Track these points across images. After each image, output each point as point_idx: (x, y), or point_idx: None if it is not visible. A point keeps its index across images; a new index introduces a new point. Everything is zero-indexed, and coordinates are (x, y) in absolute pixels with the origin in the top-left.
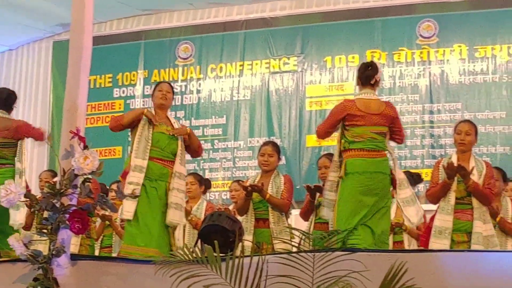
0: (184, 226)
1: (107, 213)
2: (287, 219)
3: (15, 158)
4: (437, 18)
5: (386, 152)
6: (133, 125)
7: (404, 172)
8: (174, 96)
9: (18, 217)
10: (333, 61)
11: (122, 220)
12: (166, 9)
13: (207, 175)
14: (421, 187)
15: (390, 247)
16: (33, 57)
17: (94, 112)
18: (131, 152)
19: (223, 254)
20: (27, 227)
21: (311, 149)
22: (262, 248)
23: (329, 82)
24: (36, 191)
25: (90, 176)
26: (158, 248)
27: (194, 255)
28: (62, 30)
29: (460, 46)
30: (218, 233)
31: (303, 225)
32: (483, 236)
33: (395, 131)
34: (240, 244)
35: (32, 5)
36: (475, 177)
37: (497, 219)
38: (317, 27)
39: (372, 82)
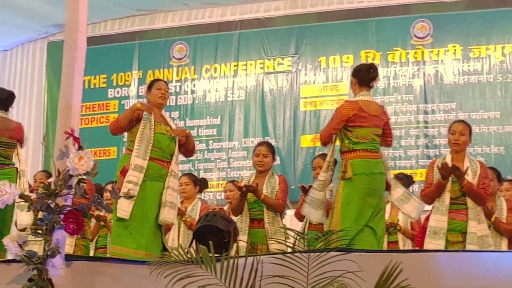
0: (179, 227)
1: (102, 214)
2: (281, 220)
3: (15, 159)
4: (432, 18)
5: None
6: (132, 125)
7: (398, 174)
8: (169, 97)
9: (25, 218)
10: (327, 61)
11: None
12: (161, 9)
13: (202, 175)
14: (415, 187)
15: (385, 247)
16: (28, 58)
17: (88, 113)
18: (127, 149)
19: (218, 255)
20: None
21: (306, 149)
22: (256, 249)
23: (324, 83)
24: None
25: (84, 177)
26: (150, 250)
27: (189, 255)
28: (57, 30)
29: (454, 46)
30: (213, 234)
31: (298, 226)
32: (478, 236)
33: (387, 133)
34: (235, 244)
35: (27, 6)
36: (469, 177)
37: (492, 219)
38: (312, 27)
39: (371, 84)
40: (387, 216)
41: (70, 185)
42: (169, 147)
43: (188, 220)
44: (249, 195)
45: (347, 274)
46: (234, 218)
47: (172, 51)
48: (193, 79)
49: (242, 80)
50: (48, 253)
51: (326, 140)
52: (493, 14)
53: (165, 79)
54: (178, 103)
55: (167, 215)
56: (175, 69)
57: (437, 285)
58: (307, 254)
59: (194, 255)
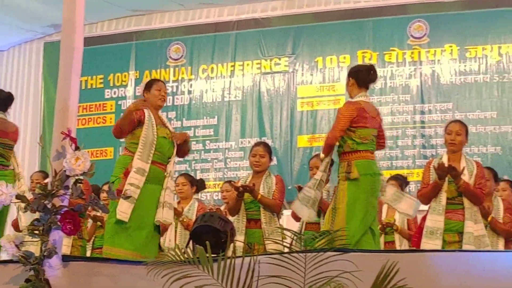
0: (176, 227)
1: (98, 214)
2: (278, 220)
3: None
4: (428, 18)
5: None
6: (135, 128)
7: (394, 175)
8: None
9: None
10: (324, 61)
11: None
12: (157, 9)
13: (199, 175)
14: (412, 187)
15: (382, 247)
16: (24, 58)
17: (85, 113)
18: (126, 150)
19: (215, 255)
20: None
21: (303, 149)
22: (253, 249)
23: (320, 83)
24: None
25: (81, 177)
26: (147, 253)
27: (185, 255)
28: (53, 31)
29: (451, 46)
30: (209, 234)
31: (295, 226)
32: (475, 236)
33: (380, 135)
34: (232, 244)
35: (23, 6)
36: (466, 177)
37: (489, 219)
38: (308, 27)
39: (369, 85)
40: (383, 216)
41: (67, 185)
42: (169, 151)
43: (185, 220)
44: (246, 195)
45: (344, 274)
46: (231, 218)
47: (169, 51)
48: (190, 79)
49: (239, 80)
50: (45, 253)
51: (334, 142)
52: (489, 14)
53: (162, 79)
54: (175, 103)
55: (167, 215)
56: (171, 69)
57: (434, 285)
58: (304, 254)
59: (191, 256)
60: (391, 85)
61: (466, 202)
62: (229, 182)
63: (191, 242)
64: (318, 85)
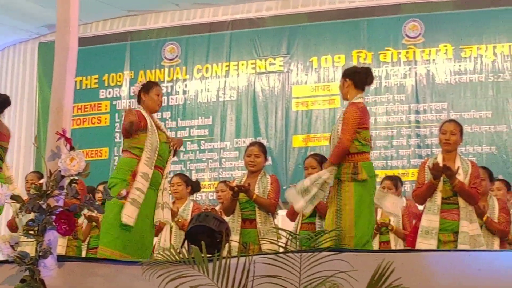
0: (171, 227)
1: (94, 214)
2: (274, 220)
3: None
4: (423, 18)
5: None
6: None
7: (390, 176)
8: None
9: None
10: (319, 61)
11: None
12: (152, 10)
13: (194, 175)
14: (407, 187)
15: (377, 247)
16: (19, 59)
17: (80, 113)
18: (129, 153)
19: (210, 255)
20: (13, 228)
21: (298, 149)
22: (249, 249)
23: (315, 83)
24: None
25: (76, 178)
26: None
27: (181, 255)
28: (48, 31)
29: (446, 46)
30: (205, 234)
31: (290, 226)
32: (470, 236)
33: None
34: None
35: (18, 6)
36: (460, 176)
37: (484, 218)
38: (303, 27)
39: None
40: (378, 216)
41: (61, 185)
42: (167, 155)
43: (180, 220)
44: (241, 195)
45: (340, 274)
46: (226, 218)
47: (164, 51)
48: (184, 80)
49: (234, 80)
50: (40, 254)
51: (349, 148)
52: (484, 13)
53: (157, 80)
54: (170, 104)
55: (167, 215)
56: (166, 70)
57: (429, 285)
58: (299, 254)
59: (186, 256)
60: (386, 84)
61: (461, 201)
62: (224, 182)
63: (186, 242)
64: (313, 85)
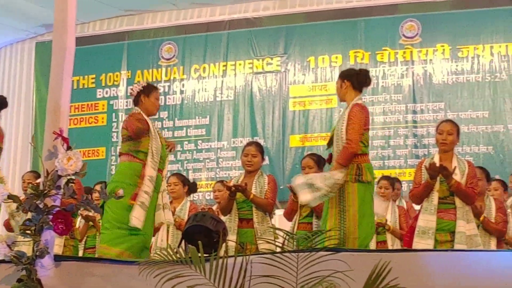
0: (168, 227)
1: (90, 214)
2: (271, 219)
3: None
4: (420, 18)
5: None
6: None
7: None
8: None
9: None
10: (316, 61)
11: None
12: (149, 9)
13: (191, 175)
14: (404, 187)
15: (374, 247)
16: (16, 58)
17: (77, 113)
18: (131, 156)
19: (207, 255)
20: (10, 228)
21: (295, 149)
22: (246, 248)
23: (312, 82)
24: (19, 193)
25: (73, 177)
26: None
27: (178, 255)
28: (45, 31)
29: (443, 46)
30: (202, 234)
31: (287, 225)
32: (466, 236)
33: None
34: (224, 244)
35: (15, 6)
36: (457, 176)
37: (481, 218)
38: (300, 27)
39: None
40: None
41: (58, 185)
42: (166, 157)
43: (177, 220)
44: (238, 194)
45: (336, 273)
46: (223, 218)
47: (161, 51)
48: (182, 79)
49: (231, 80)
50: (37, 253)
51: (359, 146)
52: (481, 13)
53: (154, 79)
54: (167, 103)
55: (169, 216)
56: (163, 69)
57: (426, 284)
58: (296, 254)
59: (183, 255)
60: (383, 84)
61: (458, 201)
62: (221, 181)
63: (183, 242)
64: (310, 85)
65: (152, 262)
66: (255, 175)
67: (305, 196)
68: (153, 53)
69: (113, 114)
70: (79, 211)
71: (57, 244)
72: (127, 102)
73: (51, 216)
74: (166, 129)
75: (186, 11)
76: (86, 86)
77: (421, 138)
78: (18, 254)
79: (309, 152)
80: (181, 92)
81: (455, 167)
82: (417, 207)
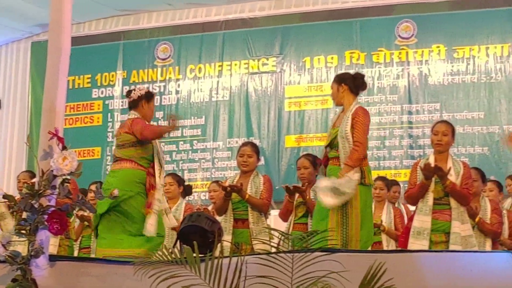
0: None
1: (86, 214)
2: (266, 220)
3: None
4: (416, 18)
5: None
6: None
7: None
8: None
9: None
10: (312, 61)
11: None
12: (145, 9)
13: (186, 175)
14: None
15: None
16: (12, 58)
17: (72, 113)
18: (135, 163)
19: (202, 255)
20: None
21: (290, 149)
22: (241, 249)
23: (308, 83)
24: (14, 192)
25: (68, 177)
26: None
27: (173, 255)
28: (41, 30)
29: (438, 47)
30: (197, 234)
31: (282, 226)
32: (461, 236)
33: None
34: (219, 244)
35: (10, 6)
36: (452, 177)
37: (476, 219)
38: (296, 27)
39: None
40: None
41: (54, 185)
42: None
43: None
44: (234, 195)
45: (332, 274)
46: (218, 218)
47: (157, 51)
48: (177, 79)
49: (227, 80)
50: (32, 253)
51: (366, 152)
52: (477, 14)
53: (149, 79)
54: (163, 103)
55: (172, 220)
56: (159, 69)
57: (421, 285)
58: (292, 254)
59: (178, 255)
60: (378, 85)
61: (453, 202)
62: (217, 182)
63: (178, 242)
64: (306, 85)
65: (147, 262)
66: (250, 175)
67: (329, 200)
68: (149, 53)
69: (109, 114)
70: (75, 212)
71: (52, 244)
72: (122, 102)
73: (46, 216)
74: None
75: (182, 11)
76: (81, 86)
77: (416, 139)
78: (13, 253)
79: (304, 153)
80: (177, 92)
81: (450, 168)
82: (412, 207)
